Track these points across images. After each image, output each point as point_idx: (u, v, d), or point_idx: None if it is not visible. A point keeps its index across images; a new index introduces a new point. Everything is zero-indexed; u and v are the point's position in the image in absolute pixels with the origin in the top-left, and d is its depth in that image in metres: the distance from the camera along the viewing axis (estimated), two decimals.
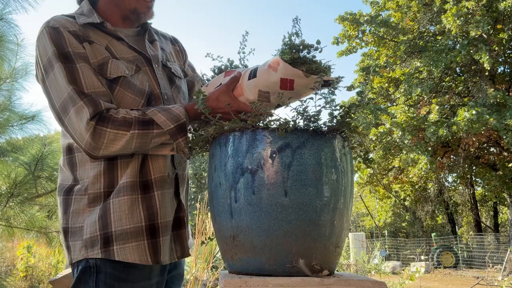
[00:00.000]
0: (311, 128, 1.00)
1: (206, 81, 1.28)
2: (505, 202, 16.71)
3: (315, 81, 1.03)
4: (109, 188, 1.16)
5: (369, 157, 1.11)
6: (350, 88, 1.07)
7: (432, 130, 11.25)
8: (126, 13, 1.28)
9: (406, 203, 19.31)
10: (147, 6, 1.28)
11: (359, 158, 1.12)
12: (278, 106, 1.15)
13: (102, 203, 1.14)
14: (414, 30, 13.90)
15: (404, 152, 12.77)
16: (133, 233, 1.13)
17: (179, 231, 1.24)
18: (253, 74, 1.09)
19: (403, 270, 7.72)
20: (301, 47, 1.04)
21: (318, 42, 1.04)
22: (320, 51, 1.06)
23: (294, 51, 1.03)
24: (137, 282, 1.14)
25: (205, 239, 1.36)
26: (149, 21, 1.35)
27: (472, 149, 12.77)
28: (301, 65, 1.03)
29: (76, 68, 1.11)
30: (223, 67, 1.24)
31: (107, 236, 1.12)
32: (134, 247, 1.12)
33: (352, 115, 1.05)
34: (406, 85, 12.48)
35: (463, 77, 13.81)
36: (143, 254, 1.13)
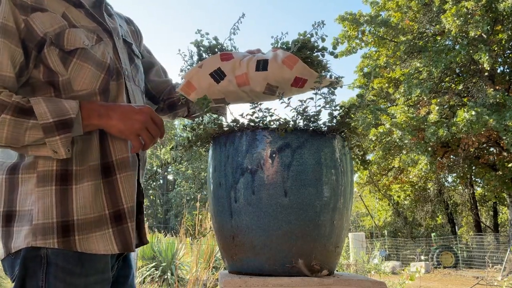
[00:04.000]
0: (311, 128, 1.00)
1: (191, 58, 1.19)
2: (505, 202, 16.71)
3: (324, 83, 1.05)
4: (63, 167, 1.03)
5: (367, 158, 1.11)
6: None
7: (432, 130, 11.26)
8: None
9: (406, 202, 19.31)
10: None
11: (357, 159, 1.12)
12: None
13: (55, 184, 1.02)
14: (414, 30, 13.91)
15: (404, 152, 12.78)
16: (97, 222, 1.04)
17: (138, 216, 1.16)
18: (262, 66, 1.05)
19: (403, 270, 7.73)
20: (315, 48, 1.05)
21: (335, 48, 1.07)
22: (336, 57, 1.08)
23: (308, 51, 1.04)
24: (91, 275, 1.03)
25: (197, 235, 1.35)
26: None
27: (471, 149, 12.78)
28: (311, 65, 1.05)
29: None
30: (208, 43, 1.17)
31: (66, 225, 1.01)
32: (98, 236, 1.04)
33: (352, 115, 1.05)
34: (406, 86, 12.49)
35: (462, 78, 13.81)
36: (108, 243, 1.05)
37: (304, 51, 1.07)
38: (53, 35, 1.04)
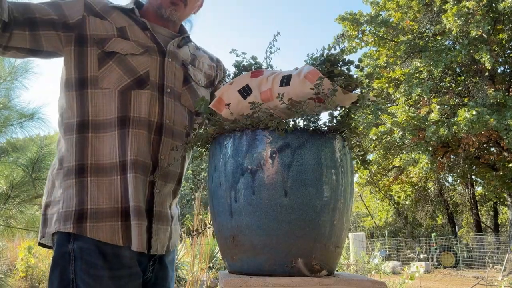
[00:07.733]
0: (311, 128, 0.99)
1: (228, 77, 1.23)
2: (505, 202, 16.71)
3: (349, 99, 1.03)
4: (80, 161, 1.17)
5: (367, 158, 1.10)
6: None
7: (432, 129, 11.25)
8: (155, 10, 1.35)
9: (407, 202, 19.29)
10: (170, 1, 1.32)
11: (357, 159, 1.11)
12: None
13: (75, 178, 1.17)
14: (414, 30, 13.90)
15: (404, 152, 12.77)
16: (108, 213, 1.15)
17: (151, 225, 1.22)
18: (285, 81, 1.04)
19: (403, 270, 7.72)
20: (340, 62, 1.04)
21: (360, 61, 1.06)
22: (361, 69, 1.06)
23: (334, 65, 1.03)
24: (116, 269, 1.13)
25: (193, 232, 1.37)
26: (187, 30, 1.45)
27: (472, 149, 12.77)
28: (337, 79, 1.02)
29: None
30: (246, 63, 1.19)
31: (81, 213, 1.14)
32: (107, 226, 1.14)
33: (352, 115, 1.05)
34: (406, 85, 12.48)
35: (463, 77, 13.80)
36: (115, 234, 1.14)
37: (327, 65, 1.04)
38: (98, 39, 1.22)
